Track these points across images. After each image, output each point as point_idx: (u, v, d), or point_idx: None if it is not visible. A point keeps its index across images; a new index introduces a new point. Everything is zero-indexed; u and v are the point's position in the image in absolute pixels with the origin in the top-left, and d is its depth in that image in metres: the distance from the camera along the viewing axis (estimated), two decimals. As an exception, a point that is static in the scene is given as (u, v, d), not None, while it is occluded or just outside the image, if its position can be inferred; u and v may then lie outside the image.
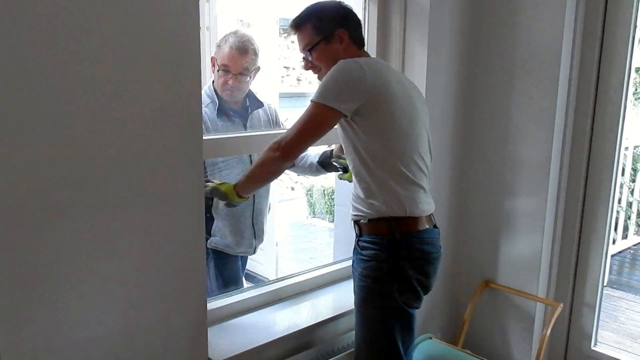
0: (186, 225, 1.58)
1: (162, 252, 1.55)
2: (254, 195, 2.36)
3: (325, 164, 2.24)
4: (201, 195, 1.61)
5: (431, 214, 1.81)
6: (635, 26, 2.31)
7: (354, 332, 1.84)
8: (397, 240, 1.71)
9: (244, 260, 2.58)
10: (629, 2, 2.28)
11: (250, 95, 2.38)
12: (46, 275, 1.34)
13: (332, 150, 2.23)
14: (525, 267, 2.48)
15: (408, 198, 1.72)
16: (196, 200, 1.59)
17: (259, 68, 2.32)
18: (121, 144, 1.41)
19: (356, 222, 1.81)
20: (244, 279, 2.83)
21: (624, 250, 5.14)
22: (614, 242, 4.80)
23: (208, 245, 2.30)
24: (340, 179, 2.15)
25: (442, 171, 2.50)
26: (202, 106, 2.13)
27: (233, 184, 1.82)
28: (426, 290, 1.80)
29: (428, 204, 1.80)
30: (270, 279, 3.81)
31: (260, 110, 2.39)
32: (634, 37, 2.32)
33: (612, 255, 4.77)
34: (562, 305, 2.44)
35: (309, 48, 1.82)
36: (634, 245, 5.26)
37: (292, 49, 8.43)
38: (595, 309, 2.55)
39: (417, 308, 1.80)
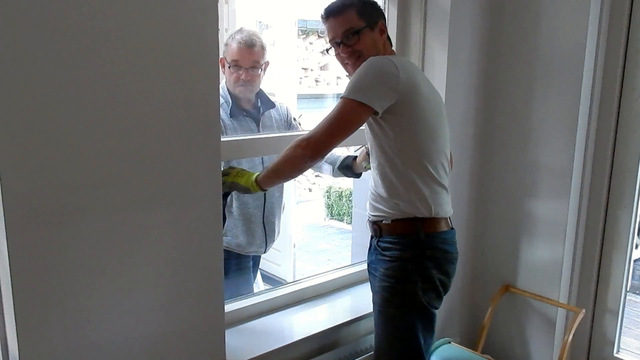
0: (204, 227, 1.58)
1: (180, 254, 1.55)
2: (264, 195, 2.36)
3: (345, 170, 2.24)
4: (219, 197, 1.61)
5: (450, 215, 1.81)
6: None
7: (373, 334, 1.82)
8: (421, 241, 1.71)
9: (257, 260, 2.57)
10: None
11: (262, 96, 2.38)
12: (63, 278, 1.35)
13: (355, 157, 2.22)
14: (546, 272, 2.44)
15: (434, 199, 1.72)
16: (214, 201, 1.59)
17: (268, 63, 2.33)
18: (140, 146, 1.41)
19: (376, 223, 1.79)
20: (261, 280, 2.83)
21: (647, 255, 5.04)
22: (636, 246, 4.71)
23: None
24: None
25: (461, 174, 2.47)
26: None
27: (254, 175, 1.76)
28: (446, 290, 1.80)
29: (449, 204, 1.81)
30: (287, 281, 3.83)
31: (272, 110, 2.40)
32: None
33: (635, 260, 4.68)
34: (584, 310, 2.40)
35: (353, 31, 1.75)
36: (658, 250, 5.15)
37: (310, 51, 8.44)
38: (618, 314, 2.50)
39: (437, 308, 1.79)
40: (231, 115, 2.25)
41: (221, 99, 2.21)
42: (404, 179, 1.70)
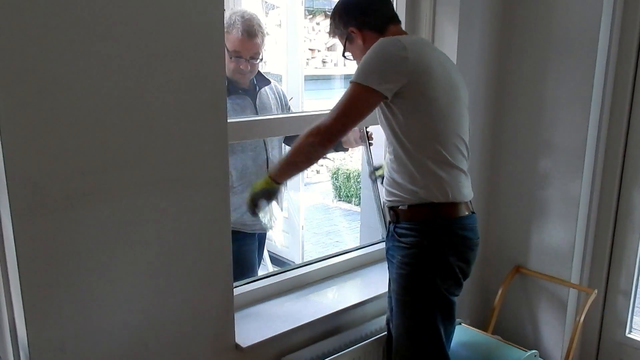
0: (212, 210, 1.57)
1: (189, 237, 1.54)
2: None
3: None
4: (227, 179, 1.59)
5: (470, 199, 1.77)
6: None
7: (382, 317, 1.82)
8: (438, 227, 1.67)
9: (262, 240, 2.55)
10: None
11: (257, 73, 2.36)
12: (71, 263, 1.34)
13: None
14: (558, 253, 2.42)
15: (450, 183, 1.68)
16: (222, 183, 1.58)
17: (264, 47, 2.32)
18: (146, 129, 1.40)
19: (392, 209, 1.76)
20: (269, 262, 2.82)
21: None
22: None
23: None
24: (378, 175, 2.16)
25: (473, 155, 2.41)
26: None
27: (264, 177, 1.73)
28: (466, 277, 1.76)
29: (468, 188, 1.76)
30: (295, 263, 3.82)
31: (267, 88, 2.38)
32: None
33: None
34: (596, 291, 2.38)
35: (342, 53, 1.86)
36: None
37: (317, 31, 8.36)
38: (630, 295, 2.48)
39: (457, 295, 1.76)
40: (228, 94, 2.21)
41: None
42: (417, 163, 1.66)
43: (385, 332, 1.98)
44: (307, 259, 3.78)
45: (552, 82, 2.32)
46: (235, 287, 1.90)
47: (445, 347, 1.74)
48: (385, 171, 1.81)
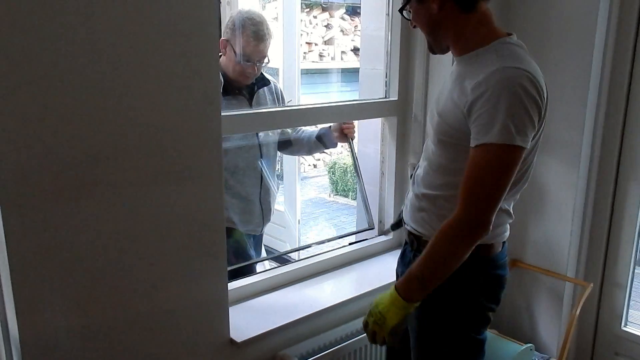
0: (206, 203, 1.56)
1: (183, 231, 1.53)
2: (261, 175, 2.34)
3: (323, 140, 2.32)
4: (221, 171, 1.58)
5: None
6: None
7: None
8: (470, 267, 1.40)
9: (258, 240, 2.53)
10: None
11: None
12: (65, 256, 1.33)
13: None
14: (554, 247, 2.42)
15: (497, 227, 1.48)
16: (216, 177, 1.57)
17: None
18: (140, 121, 1.39)
19: (415, 236, 1.55)
20: (265, 255, 2.82)
21: (654, 229, 5.01)
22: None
23: None
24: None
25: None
26: None
27: (389, 294, 1.41)
28: (494, 313, 1.57)
29: (508, 229, 1.58)
30: (292, 258, 3.82)
31: (265, 88, 2.35)
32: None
33: (642, 234, 4.65)
34: (592, 285, 2.37)
35: (399, 8, 1.49)
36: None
37: (314, 25, 8.33)
38: (626, 288, 2.48)
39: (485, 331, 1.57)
40: (224, 93, 2.20)
41: None
42: None
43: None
44: (303, 253, 3.78)
45: (549, 76, 2.29)
46: (231, 281, 1.89)
47: None
48: (413, 194, 1.57)
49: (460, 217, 1.30)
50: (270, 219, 2.48)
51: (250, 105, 2.28)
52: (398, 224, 1.73)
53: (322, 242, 2.43)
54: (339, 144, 2.52)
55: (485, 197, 1.29)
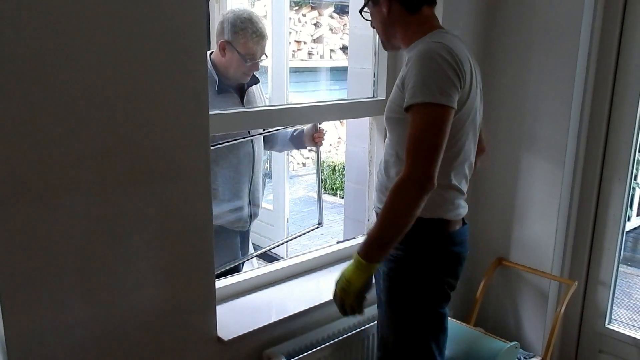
0: (194, 202, 1.56)
1: (170, 229, 1.53)
2: (252, 170, 2.35)
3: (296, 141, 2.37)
4: (208, 170, 1.58)
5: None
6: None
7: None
8: (427, 242, 1.59)
9: (245, 236, 2.55)
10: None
11: None
12: (49, 257, 1.33)
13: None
14: (539, 245, 2.44)
15: (446, 202, 1.60)
16: (203, 176, 1.57)
17: None
18: (127, 120, 1.38)
19: None
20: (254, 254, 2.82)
21: (638, 227, 5.08)
22: (629, 219, 4.74)
23: None
24: None
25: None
26: None
27: (353, 263, 1.49)
28: (453, 290, 1.68)
29: (464, 207, 1.68)
30: (280, 256, 3.82)
31: (255, 86, 2.38)
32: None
33: (626, 232, 4.70)
34: (576, 283, 2.40)
35: (359, 9, 1.67)
36: (649, 221, 5.19)
37: (303, 23, 8.32)
38: (610, 287, 2.51)
39: (446, 306, 1.68)
40: (219, 91, 2.21)
41: None
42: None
43: (368, 325, 1.99)
44: (291, 251, 3.78)
45: (534, 76, 2.33)
46: (219, 279, 1.89)
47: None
48: (377, 177, 1.71)
49: (406, 175, 1.41)
50: (258, 215, 2.49)
51: (242, 103, 2.29)
52: None
53: (280, 243, 2.47)
54: (309, 148, 2.64)
55: (424, 153, 1.40)
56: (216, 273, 1.85)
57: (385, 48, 1.74)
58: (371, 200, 2.49)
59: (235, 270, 2.24)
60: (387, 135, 1.66)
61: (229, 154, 2.25)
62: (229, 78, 2.24)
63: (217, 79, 2.21)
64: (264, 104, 2.43)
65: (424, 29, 1.58)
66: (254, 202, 2.42)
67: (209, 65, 2.22)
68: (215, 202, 2.28)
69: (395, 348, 1.68)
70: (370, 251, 1.46)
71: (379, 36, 1.71)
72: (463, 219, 1.70)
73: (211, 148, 2.02)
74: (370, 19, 1.68)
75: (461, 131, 1.55)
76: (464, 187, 1.67)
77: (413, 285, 1.61)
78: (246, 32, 2.17)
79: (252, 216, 2.45)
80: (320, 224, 2.68)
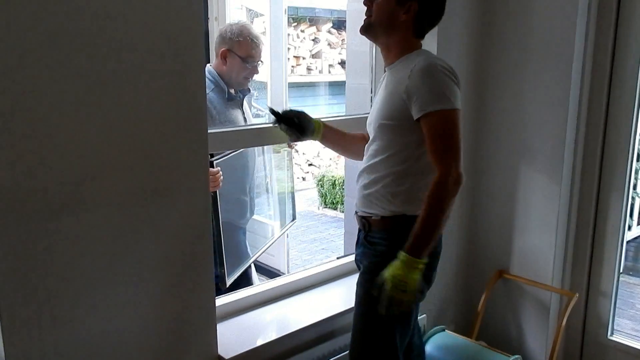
0: (193, 221, 1.56)
1: (170, 247, 1.53)
2: (251, 169, 2.44)
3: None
4: (207, 188, 1.59)
5: None
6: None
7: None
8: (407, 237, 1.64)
9: (245, 235, 2.56)
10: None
11: None
12: (50, 275, 1.33)
13: None
14: (539, 257, 2.44)
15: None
16: (203, 193, 1.57)
17: None
18: (127, 139, 1.39)
19: (366, 218, 1.76)
20: (255, 270, 2.83)
21: (639, 237, 5.07)
22: (629, 228, 4.73)
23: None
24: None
25: (453, 161, 2.45)
26: (207, 91, 2.18)
27: (400, 257, 1.57)
28: (430, 285, 1.76)
29: None
30: (281, 271, 3.82)
31: (248, 95, 2.49)
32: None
33: (627, 242, 4.70)
34: (577, 295, 2.40)
35: None
36: (650, 231, 5.18)
37: (301, 39, 8.38)
38: (611, 298, 2.51)
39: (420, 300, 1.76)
40: (228, 99, 2.34)
41: (211, 84, 2.30)
42: (408, 180, 1.68)
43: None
44: (292, 267, 3.78)
45: (530, 89, 2.35)
46: (219, 297, 1.89)
47: (399, 355, 1.73)
48: (361, 181, 1.78)
49: (442, 176, 1.56)
50: (254, 212, 2.58)
51: (243, 113, 2.40)
52: (277, 115, 1.85)
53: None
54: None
55: (453, 154, 1.58)
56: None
57: (365, 30, 1.74)
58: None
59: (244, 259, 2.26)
60: (373, 140, 1.75)
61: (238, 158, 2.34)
62: (232, 85, 2.36)
63: (225, 88, 2.33)
64: (249, 115, 2.53)
65: (412, 47, 1.73)
66: (252, 200, 2.51)
67: (215, 76, 2.32)
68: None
69: (362, 336, 1.75)
70: (419, 248, 1.57)
71: (374, 19, 1.70)
72: None
73: (216, 161, 2.08)
74: (370, 7, 1.70)
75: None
76: None
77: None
78: (244, 37, 2.31)
79: (251, 213, 2.53)
80: (294, 219, 2.95)
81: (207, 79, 2.27)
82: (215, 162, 2.14)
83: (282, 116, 1.84)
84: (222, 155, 2.25)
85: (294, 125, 1.83)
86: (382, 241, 1.71)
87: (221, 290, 2.07)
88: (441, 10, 1.75)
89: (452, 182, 1.56)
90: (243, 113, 2.41)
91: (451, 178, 1.56)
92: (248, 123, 2.44)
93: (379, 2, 1.69)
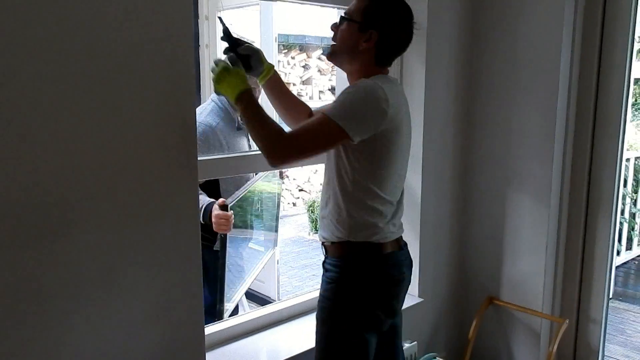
0: (182, 247, 1.56)
1: (159, 275, 1.52)
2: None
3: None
4: (197, 214, 1.59)
5: (399, 237, 1.74)
6: (634, 36, 2.30)
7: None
8: (361, 264, 1.64)
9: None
10: (626, 12, 2.27)
11: None
12: (41, 299, 1.32)
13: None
14: (528, 283, 2.45)
15: (373, 226, 1.64)
16: (192, 220, 1.57)
17: None
18: (117, 166, 1.40)
19: (323, 243, 1.73)
20: (245, 299, 2.81)
21: (628, 262, 5.09)
22: (618, 253, 4.76)
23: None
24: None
25: (443, 187, 2.47)
26: (217, 120, 2.24)
27: (241, 89, 1.59)
28: (392, 314, 1.72)
29: (394, 232, 1.70)
30: (271, 298, 3.78)
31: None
32: (632, 48, 2.31)
33: (617, 267, 4.72)
34: (567, 321, 2.40)
35: (346, 18, 1.67)
36: (639, 256, 5.20)
37: (292, 65, 8.46)
38: (601, 324, 2.51)
39: (381, 330, 1.71)
40: (238, 128, 2.32)
41: (221, 112, 2.29)
42: (350, 204, 1.63)
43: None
44: (283, 293, 3.74)
45: (517, 115, 2.38)
46: (208, 325, 1.88)
47: None
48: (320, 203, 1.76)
49: (284, 139, 1.52)
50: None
51: (248, 140, 2.38)
52: (233, 43, 1.79)
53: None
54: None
55: (299, 143, 1.54)
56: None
57: (330, 56, 1.74)
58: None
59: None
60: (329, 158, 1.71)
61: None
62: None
63: (236, 118, 2.31)
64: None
65: (372, 75, 1.66)
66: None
67: (226, 104, 2.30)
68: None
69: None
70: (242, 101, 1.60)
71: (337, 46, 1.70)
72: (401, 244, 1.74)
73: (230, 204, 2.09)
74: (340, 30, 1.68)
75: (386, 158, 1.62)
76: (388, 212, 1.68)
77: (343, 307, 1.65)
78: None
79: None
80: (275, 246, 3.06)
81: (217, 108, 2.30)
82: (229, 206, 2.14)
83: (238, 49, 1.76)
84: (235, 197, 2.26)
85: (243, 60, 1.76)
86: (333, 267, 1.67)
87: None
88: (405, 39, 1.69)
89: (278, 147, 1.52)
90: (248, 140, 2.38)
91: (280, 145, 1.52)
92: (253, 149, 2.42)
93: (342, 29, 1.67)
